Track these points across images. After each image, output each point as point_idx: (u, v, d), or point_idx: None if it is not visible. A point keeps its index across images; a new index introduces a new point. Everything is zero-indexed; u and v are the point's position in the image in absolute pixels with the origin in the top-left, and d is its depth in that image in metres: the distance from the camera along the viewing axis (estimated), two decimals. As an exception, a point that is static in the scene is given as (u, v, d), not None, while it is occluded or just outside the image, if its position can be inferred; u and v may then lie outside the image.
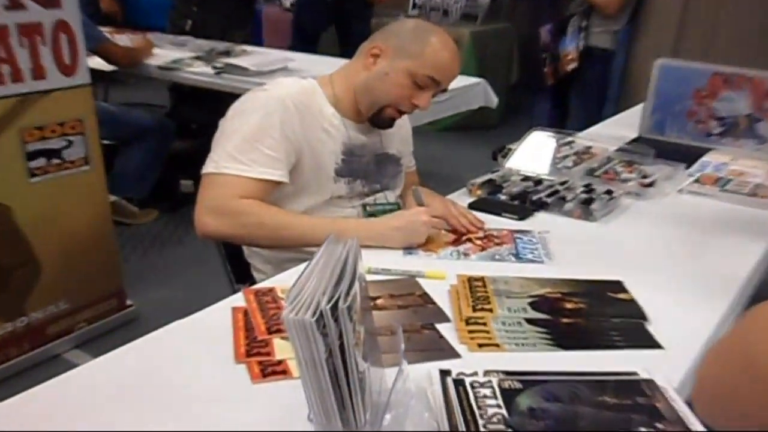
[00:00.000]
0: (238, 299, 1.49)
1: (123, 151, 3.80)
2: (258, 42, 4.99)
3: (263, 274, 1.93)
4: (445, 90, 1.90)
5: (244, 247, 2.00)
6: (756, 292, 1.71)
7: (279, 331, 1.34)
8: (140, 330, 3.00)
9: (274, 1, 6.29)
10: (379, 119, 1.91)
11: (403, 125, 2.10)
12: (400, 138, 2.10)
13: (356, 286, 0.96)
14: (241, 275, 2.02)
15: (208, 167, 1.77)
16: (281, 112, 1.78)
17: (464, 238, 1.82)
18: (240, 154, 1.74)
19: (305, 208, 1.89)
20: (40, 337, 2.81)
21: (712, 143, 2.58)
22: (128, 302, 3.13)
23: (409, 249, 1.75)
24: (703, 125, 2.59)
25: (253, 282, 1.98)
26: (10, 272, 2.66)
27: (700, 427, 1.03)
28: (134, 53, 3.91)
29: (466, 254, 1.75)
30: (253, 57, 3.92)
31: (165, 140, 3.99)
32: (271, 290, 1.51)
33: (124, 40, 4.19)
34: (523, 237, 1.84)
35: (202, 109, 4.18)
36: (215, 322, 1.40)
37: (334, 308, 0.90)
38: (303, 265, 1.61)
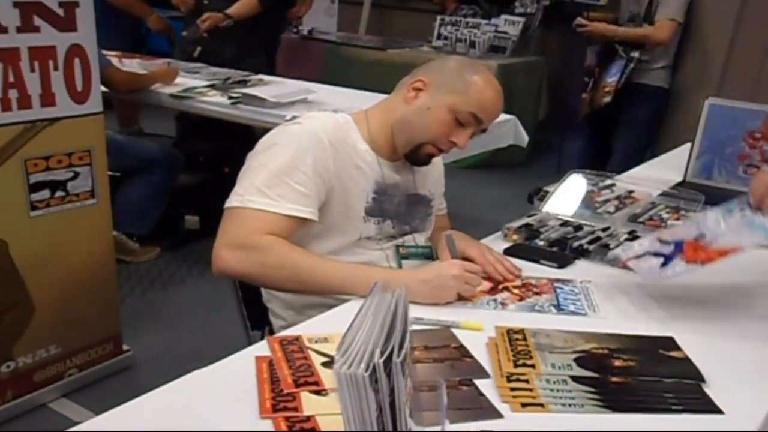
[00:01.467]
0: (261, 348, 1.47)
1: (126, 183, 3.80)
2: (271, 70, 5.01)
3: (282, 320, 1.93)
4: (484, 130, 1.91)
5: (263, 290, 1.98)
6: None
7: (307, 383, 1.33)
8: (136, 378, 3.01)
9: (290, 29, 6.33)
10: (416, 156, 1.92)
11: (436, 165, 2.12)
12: (433, 179, 2.11)
13: (408, 338, 0.96)
14: (257, 320, 2.01)
15: (232, 201, 1.77)
16: (315, 147, 1.79)
17: (501, 286, 1.82)
18: (268, 189, 1.74)
19: (332, 248, 1.88)
20: (26, 385, 2.76)
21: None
22: (124, 347, 3.10)
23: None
24: (756, 170, 2.58)
25: (271, 328, 1.98)
26: (0, 313, 2.64)
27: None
28: (138, 80, 3.89)
29: (503, 304, 1.75)
30: (271, 87, 3.92)
31: (172, 173, 3.98)
32: (297, 338, 1.50)
33: (134, 65, 4.22)
34: (564, 287, 1.84)
35: (212, 142, 4.21)
36: (237, 372, 1.38)
37: (387, 362, 0.90)
38: (330, 312, 1.61)
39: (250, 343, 1.88)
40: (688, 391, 1.38)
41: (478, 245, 1.97)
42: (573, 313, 1.72)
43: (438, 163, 2.12)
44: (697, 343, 1.54)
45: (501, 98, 1.93)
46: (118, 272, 3.14)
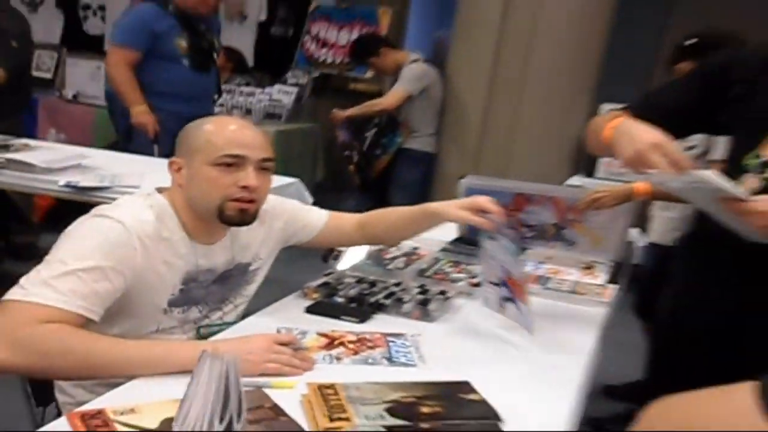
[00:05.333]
0: (61, 425, 1.35)
1: None
2: (30, 133, 4.81)
3: (71, 398, 1.79)
4: (268, 159, 1.86)
5: None
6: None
7: None
8: None
9: (53, 91, 6.10)
10: (226, 218, 1.82)
11: (274, 217, 2.07)
12: (258, 241, 2.03)
13: (244, 404, 0.96)
14: (41, 397, 1.85)
15: (14, 294, 1.55)
16: (123, 245, 1.68)
17: (337, 342, 1.83)
18: (57, 283, 1.56)
19: (119, 332, 1.75)
20: None
21: (527, 244, 2.72)
22: None
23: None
24: (515, 231, 2.74)
25: (57, 405, 1.84)
26: None
27: None
28: None
29: (338, 358, 1.75)
30: (39, 152, 3.57)
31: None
32: (100, 412, 1.38)
33: None
34: (396, 340, 1.87)
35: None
36: None
37: (229, 427, 0.90)
38: (129, 384, 1.53)
39: (38, 422, 1.79)
40: (488, 430, 1.43)
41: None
42: (404, 364, 1.75)
43: (276, 216, 2.08)
44: (491, 384, 1.60)
45: (246, 127, 1.86)
46: None
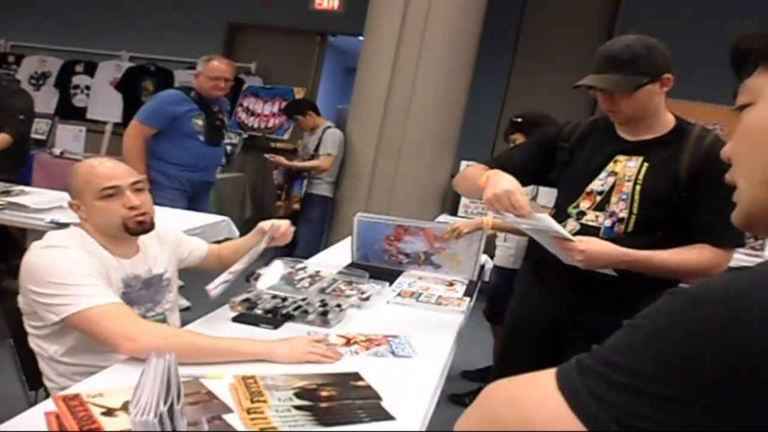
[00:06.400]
0: (48, 405, 1.36)
1: None
2: (27, 182, 4.68)
3: (55, 384, 1.76)
4: (138, 181, 1.86)
5: (39, 359, 1.80)
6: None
7: (90, 430, 1.26)
8: None
9: (45, 149, 5.97)
10: (131, 231, 1.84)
11: (165, 243, 2.06)
12: (165, 256, 2.03)
13: (182, 390, 0.98)
14: (34, 382, 1.82)
15: (81, 305, 1.60)
16: (84, 259, 1.70)
17: (352, 341, 1.87)
18: (91, 291, 1.63)
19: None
20: None
21: (404, 268, 2.78)
22: None
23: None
24: (395, 258, 2.79)
25: (46, 389, 1.81)
26: None
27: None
28: None
29: (356, 352, 1.80)
30: (31, 196, 3.62)
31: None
32: (76, 396, 1.39)
33: None
34: (394, 339, 1.92)
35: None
36: (30, 426, 1.28)
37: (170, 410, 0.91)
38: (98, 375, 1.52)
39: (31, 401, 1.76)
40: (371, 407, 1.46)
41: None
42: (405, 356, 1.82)
43: (167, 238, 2.07)
44: (375, 373, 1.64)
45: (111, 163, 1.86)
46: None
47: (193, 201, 4.28)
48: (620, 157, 1.93)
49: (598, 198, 1.94)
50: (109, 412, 1.33)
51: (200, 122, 4.16)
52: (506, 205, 1.77)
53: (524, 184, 1.88)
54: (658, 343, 0.57)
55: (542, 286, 2.11)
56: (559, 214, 2.02)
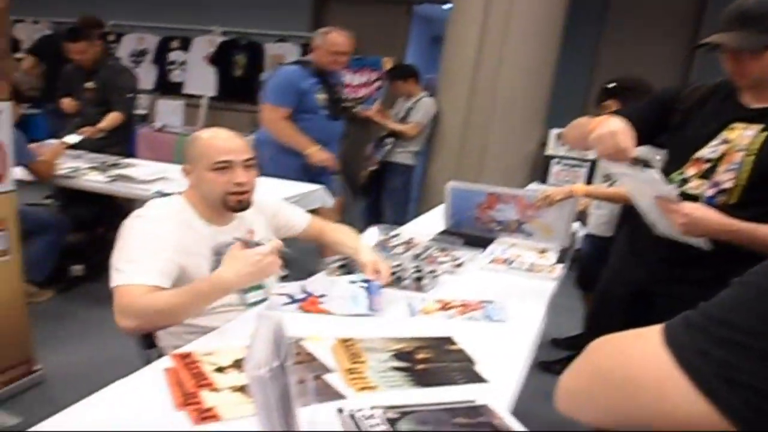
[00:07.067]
0: (165, 362, 1.46)
1: (26, 242, 3.58)
2: (132, 155, 4.90)
3: (167, 343, 1.87)
4: (250, 159, 1.90)
5: None
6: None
7: (204, 385, 1.34)
8: (49, 390, 2.88)
9: (146, 124, 6.24)
10: (229, 206, 1.90)
11: (263, 212, 2.10)
12: (263, 226, 2.08)
13: (292, 348, 1.02)
14: (148, 343, 1.93)
15: (116, 281, 1.69)
16: (160, 234, 1.77)
17: (448, 305, 1.91)
18: (137, 268, 1.69)
19: None
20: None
21: (495, 235, 2.77)
22: (36, 367, 2.92)
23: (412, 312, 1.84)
24: (486, 225, 2.78)
25: (159, 349, 1.91)
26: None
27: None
28: (49, 165, 3.71)
29: (452, 317, 1.84)
30: (137, 168, 3.83)
31: (61, 234, 3.79)
32: (189, 354, 1.49)
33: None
34: (488, 305, 1.94)
35: (92, 208, 4.06)
36: (152, 380, 1.37)
37: (282, 366, 0.96)
38: (209, 336, 1.60)
39: (147, 360, 1.83)
40: (465, 370, 1.49)
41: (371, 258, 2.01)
42: (498, 321, 1.84)
43: (265, 208, 2.12)
44: (468, 338, 1.67)
45: (231, 137, 1.90)
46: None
47: (317, 176, 4.20)
48: (737, 125, 1.79)
49: (705, 166, 1.82)
50: (220, 369, 1.42)
51: (322, 96, 4.02)
52: (609, 146, 1.66)
53: (640, 142, 1.76)
54: (767, 300, 0.57)
55: (636, 255, 2.05)
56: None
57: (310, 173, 4.01)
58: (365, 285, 1.87)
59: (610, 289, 2.19)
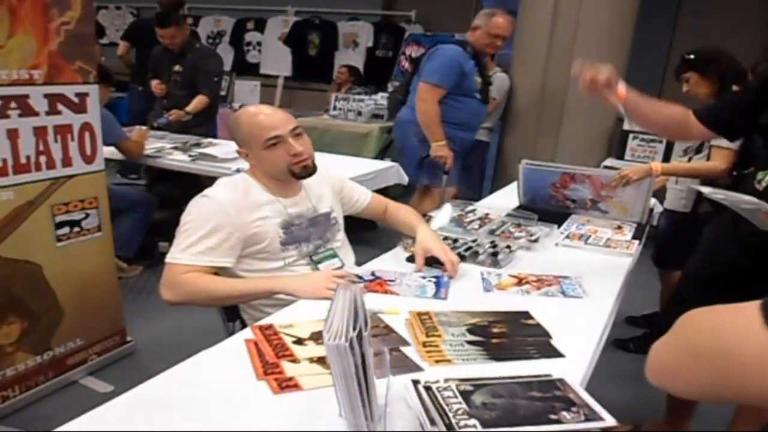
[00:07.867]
0: (246, 333, 1.50)
1: (116, 220, 3.74)
2: (213, 135, 5.03)
3: (250, 316, 1.93)
4: (296, 127, 1.93)
5: None
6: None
7: (285, 356, 1.38)
8: (139, 360, 3.03)
9: (226, 104, 6.39)
10: (297, 175, 1.94)
11: (327, 183, 2.13)
12: (329, 195, 2.11)
13: (369, 320, 1.04)
14: (231, 315, 2.01)
15: (170, 258, 1.81)
16: (220, 215, 1.82)
17: (523, 281, 1.90)
18: (189, 249, 1.79)
19: (271, 269, 1.91)
20: (61, 367, 2.75)
21: (571, 212, 2.74)
22: (128, 338, 3.08)
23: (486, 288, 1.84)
24: (560, 203, 2.75)
25: (242, 320, 1.98)
26: (39, 316, 2.61)
27: (600, 408, 1.15)
28: (139, 145, 3.87)
29: (528, 292, 1.84)
30: (218, 148, 3.93)
31: (149, 212, 3.96)
32: (270, 326, 1.53)
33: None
34: (565, 281, 1.93)
35: (177, 186, 4.20)
36: (233, 351, 1.42)
37: (359, 336, 0.98)
38: (287, 309, 1.64)
39: (230, 332, 1.92)
40: (541, 344, 1.48)
41: (440, 243, 2.01)
42: (574, 296, 1.82)
43: (331, 180, 2.15)
44: (544, 313, 1.65)
45: (276, 111, 1.94)
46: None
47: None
48: None
49: None
50: (299, 341, 1.46)
51: (479, 79, 3.89)
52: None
53: (744, 129, 1.69)
54: None
55: (736, 234, 1.97)
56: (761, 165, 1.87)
57: (424, 164, 3.95)
58: (434, 280, 1.87)
59: (702, 265, 2.12)
